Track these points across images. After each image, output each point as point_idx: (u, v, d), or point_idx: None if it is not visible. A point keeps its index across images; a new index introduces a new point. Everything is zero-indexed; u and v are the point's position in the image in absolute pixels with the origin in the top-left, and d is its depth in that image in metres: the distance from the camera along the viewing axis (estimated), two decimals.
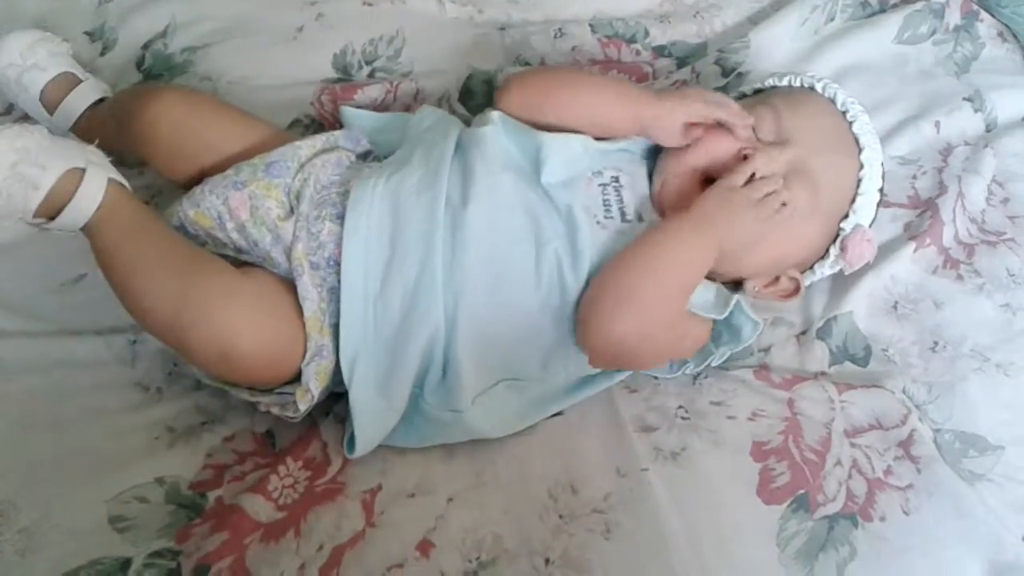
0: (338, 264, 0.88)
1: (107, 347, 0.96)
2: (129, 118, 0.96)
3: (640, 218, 0.92)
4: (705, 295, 0.90)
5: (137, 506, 0.84)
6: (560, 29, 1.23)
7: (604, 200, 0.92)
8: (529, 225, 0.89)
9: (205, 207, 0.90)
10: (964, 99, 1.18)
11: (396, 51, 1.20)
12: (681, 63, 1.22)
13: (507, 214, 0.89)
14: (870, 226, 0.97)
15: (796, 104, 0.96)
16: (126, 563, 0.81)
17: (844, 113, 0.97)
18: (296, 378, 0.87)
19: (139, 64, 1.19)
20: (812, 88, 0.99)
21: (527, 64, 1.21)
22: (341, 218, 0.89)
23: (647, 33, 1.24)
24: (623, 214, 0.92)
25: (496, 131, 0.94)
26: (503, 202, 0.90)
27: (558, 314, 0.89)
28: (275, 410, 0.88)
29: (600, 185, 0.93)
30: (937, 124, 1.15)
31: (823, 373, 0.97)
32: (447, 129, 0.96)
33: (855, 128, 0.96)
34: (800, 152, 0.92)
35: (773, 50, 1.20)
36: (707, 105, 0.92)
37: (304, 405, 0.86)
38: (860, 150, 0.96)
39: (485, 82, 1.17)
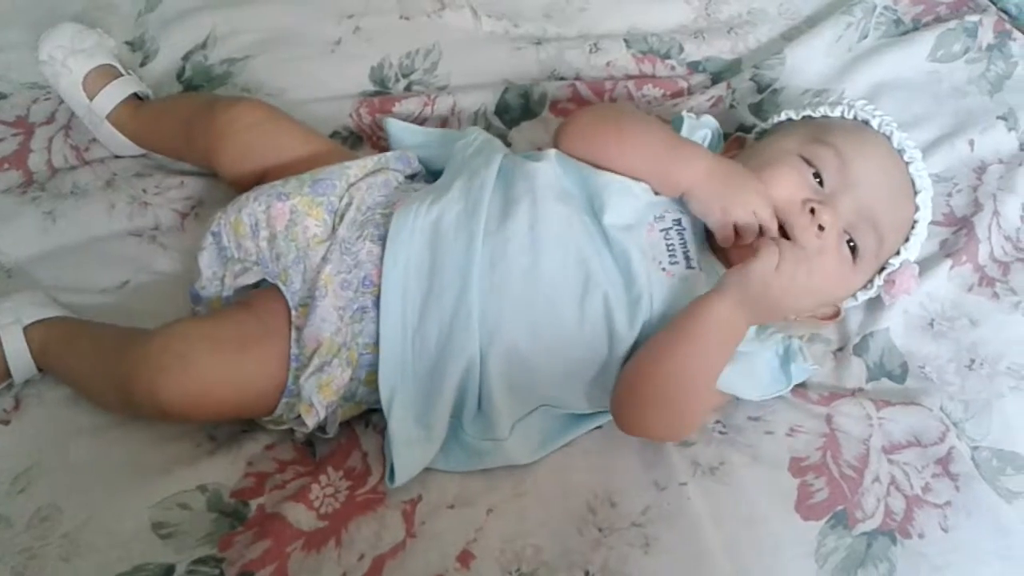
0: (373, 284, 0.89)
1: None
2: (206, 113, 1.00)
3: (701, 267, 0.91)
4: (769, 369, 0.91)
5: (180, 513, 0.85)
6: (595, 44, 1.23)
7: (668, 245, 0.91)
8: (575, 264, 0.88)
9: (246, 213, 0.92)
10: (998, 117, 1.18)
11: (433, 64, 1.21)
12: (716, 79, 1.22)
13: (551, 249, 0.88)
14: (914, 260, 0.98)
15: (860, 146, 0.95)
16: (170, 569, 0.82)
17: (901, 153, 0.97)
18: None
19: (179, 75, 1.20)
20: (867, 123, 0.98)
21: (561, 79, 1.21)
22: (382, 239, 0.89)
23: (682, 49, 1.25)
24: (688, 259, 0.91)
25: (551, 168, 0.93)
26: (548, 238, 0.88)
27: (604, 358, 0.89)
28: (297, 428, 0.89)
29: (662, 230, 0.92)
30: (971, 142, 1.15)
31: (860, 389, 0.97)
32: (490, 156, 0.94)
33: (912, 170, 0.97)
34: (867, 199, 0.92)
35: (808, 67, 1.20)
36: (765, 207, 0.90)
37: (311, 420, 0.86)
38: (916, 192, 0.97)
39: (521, 96, 1.18)
